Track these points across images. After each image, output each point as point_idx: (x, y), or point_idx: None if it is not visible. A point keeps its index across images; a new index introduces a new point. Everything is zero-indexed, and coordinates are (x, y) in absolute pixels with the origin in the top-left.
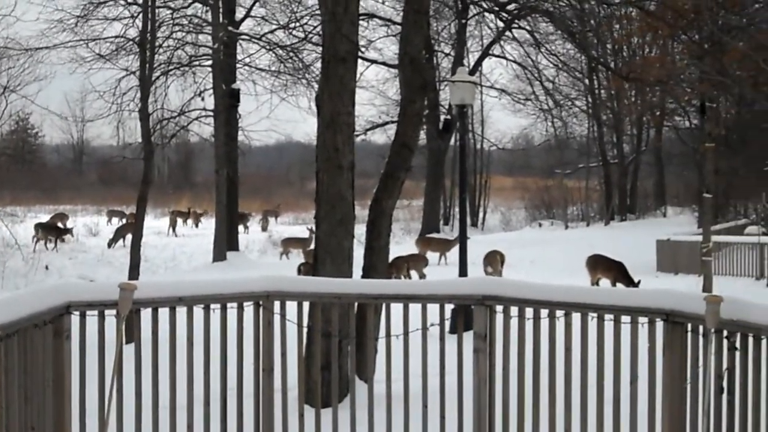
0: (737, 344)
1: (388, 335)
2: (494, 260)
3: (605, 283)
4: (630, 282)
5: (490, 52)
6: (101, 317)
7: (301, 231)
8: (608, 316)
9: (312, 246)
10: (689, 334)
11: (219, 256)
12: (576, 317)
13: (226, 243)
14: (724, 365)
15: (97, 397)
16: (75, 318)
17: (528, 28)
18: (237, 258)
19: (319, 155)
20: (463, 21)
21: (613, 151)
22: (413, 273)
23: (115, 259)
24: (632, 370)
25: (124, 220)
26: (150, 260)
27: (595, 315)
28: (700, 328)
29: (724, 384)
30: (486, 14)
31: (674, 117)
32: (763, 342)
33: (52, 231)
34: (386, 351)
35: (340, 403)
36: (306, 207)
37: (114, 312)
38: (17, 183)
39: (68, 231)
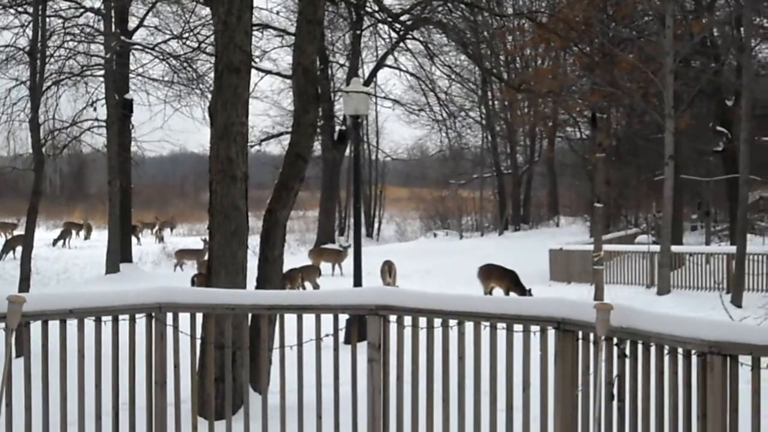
0: (627, 351)
1: (282, 346)
2: (385, 271)
3: (498, 292)
4: (522, 291)
5: (385, 62)
6: None
7: (195, 242)
8: (501, 325)
9: (206, 257)
10: (580, 341)
11: (112, 267)
12: (469, 326)
13: (119, 255)
14: (615, 372)
15: None
16: None
17: (422, 39)
18: (130, 270)
19: (212, 166)
20: (358, 31)
21: (506, 162)
22: (307, 284)
23: (5, 271)
24: (525, 377)
25: (13, 232)
26: (42, 272)
27: (487, 324)
28: (591, 335)
29: (615, 391)
30: (380, 25)
31: (566, 128)
32: (653, 349)
33: None
34: (280, 362)
35: (234, 414)
36: (200, 218)
37: (2, 325)
38: None
39: None
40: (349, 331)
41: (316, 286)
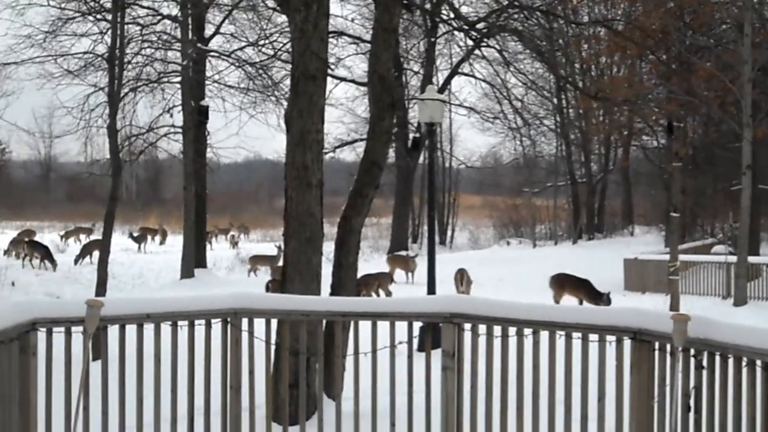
0: (704, 363)
1: (356, 353)
2: (459, 279)
3: (572, 301)
4: (598, 298)
5: (459, 70)
6: (68, 334)
7: (269, 248)
8: (576, 335)
9: (280, 263)
10: (657, 352)
11: (187, 273)
12: (544, 335)
13: (194, 260)
14: (692, 384)
15: (63, 414)
16: (41, 335)
17: (497, 47)
18: (205, 275)
19: (288, 173)
20: (432, 39)
21: (581, 170)
22: (380, 291)
23: (81, 276)
24: (600, 388)
25: (89, 237)
26: (117, 277)
27: (563, 333)
28: (668, 346)
29: (691, 402)
30: (455, 33)
31: (642, 136)
32: (730, 361)
33: (40, 249)
34: (354, 369)
35: (307, 420)
36: (274, 224)
37: (80, 329)
38: None
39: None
40: (422, 339)
41: (388, 294)
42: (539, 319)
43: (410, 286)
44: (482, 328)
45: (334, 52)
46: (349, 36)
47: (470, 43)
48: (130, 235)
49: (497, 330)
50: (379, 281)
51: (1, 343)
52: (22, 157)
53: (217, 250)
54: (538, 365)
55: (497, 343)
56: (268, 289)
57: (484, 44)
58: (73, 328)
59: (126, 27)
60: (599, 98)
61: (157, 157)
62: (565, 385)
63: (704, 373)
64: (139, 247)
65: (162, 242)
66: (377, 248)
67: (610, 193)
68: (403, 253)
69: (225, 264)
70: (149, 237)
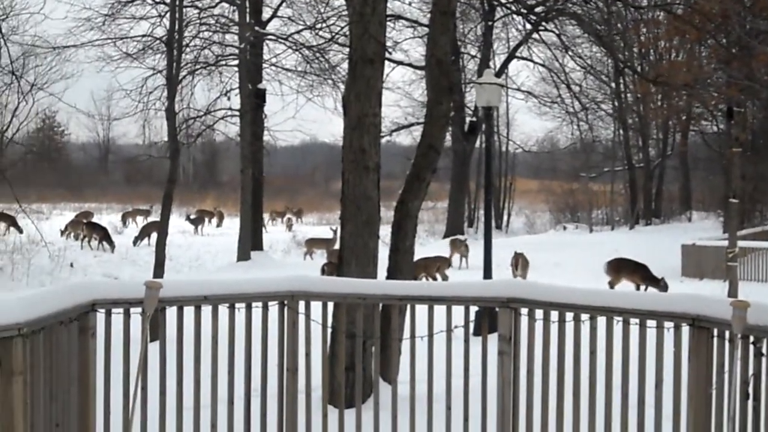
0: (764, 350)
1: (412, 336)
2: (515, 263)
3: (629, 286)
4: (655, 283)
5: (517, 54)
6: (126, 315)
7: (325, 231)
8: (633, 321)
9: (336, 246)
10: (715, 339)
11: (243, 255)
12: (601, 321)
13: (250, 242)
14: (751, 371)
15: (122, 395)
16: (100, 316)
17: (555, 30)
18: (261, 258)
19: (345, 156)
20: (490, 23)
21: (638, 155)
22: (436, 275)
23: (139, 257)
24: (657, 374)
25: (147, 219)
26: (174, 259)
27: (620, 319)
28: (727, 333)
29: (750, 390)
30: (513, 16)
31: (701, 121)
32: None
33: (99, 230)
34: (410, 352)
35: (363, 404)
36: (330, 207)
37: (139, 310)
38: (43, 181)
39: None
40: (479, 323)
41: (445, 278)
42: (596, 304)
43: (463, 271)
44: (539, 313)
45: (392, 36)
46: (407, 20)
47: (528, 26)
48: (187, 218)
49: (554, 315)
50: (438, 264)
51: (61, 323)
52: (81, 140)
53: (273, 233)
54: (595, 351)
55: (554, 328)
56: (323, 272)
57: (542, 28)
58: (132, 309)
59: (184, 10)
60: (658, 83)
61: (214, 140)
62: (622, 371)
63: (764, 360)
64: (196, 230)
65: (219, 225)
66: (433, 232)
67: (667, 178)
68: (461, 237)
69: (281, 247)
70: (206, 219)
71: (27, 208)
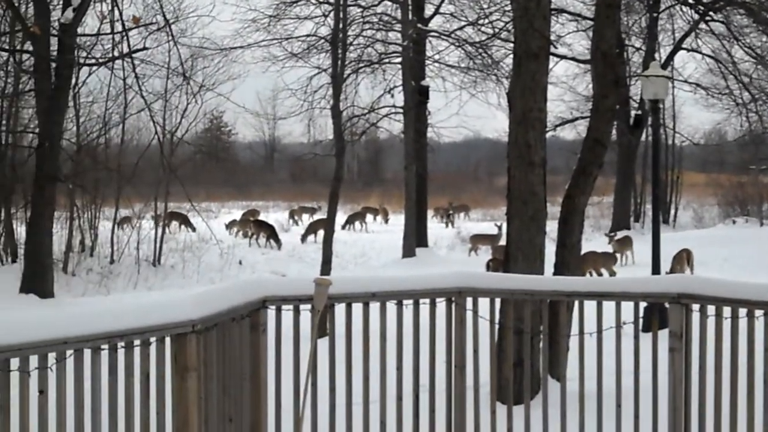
0: None
1: (581, 333)
2: (681, 259)
3: None
4: None
5: (683, 45)
6: (296, 312)
7: (490, 227)
8: None
9: (500, 242)
10: None
11: (408, 252)
12: None
13: (415, 239)
14: None
15: (292, 390)
16: (271, 312)
17: (723, 20)
18: (426, 254)
19: (510, 152)
20: (655, 14)
21: None
22: (603, 270)
23: (305, 254)
24: None
25: (313, 217)
26: (340, 256)
27: None
28: None
29: None
30: (678, 6)
31: None
32: None
33: (266, 228)
34: (579, 349)
35: (532, 400)
36: (494, 203)
37: (308, 307)
38: (211, 179)
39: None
40: (648, 320)
41: (612, 274)
42: None
43: (628, 267)
44: (711, 309)
45: (555, 30)
46: (570, 13)
47: (695, 17)
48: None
49: (726, 311)
50: (604, 260)
51: (233, 320)
52: (248, 139)
53: (436, 229)
54: None
55: (726, 324)
56: (488, 267)
57: (709, 18)
58: (302, 306)
59: (348, 9)
60: None
61: (378, 137)
62: None
63: None
64: (351, 226)
65: (385, 221)
66: (599, 227)
67: None
68: (627, 232)
69: (445, 243)
70: (369, 216)
71: (198, 207)
